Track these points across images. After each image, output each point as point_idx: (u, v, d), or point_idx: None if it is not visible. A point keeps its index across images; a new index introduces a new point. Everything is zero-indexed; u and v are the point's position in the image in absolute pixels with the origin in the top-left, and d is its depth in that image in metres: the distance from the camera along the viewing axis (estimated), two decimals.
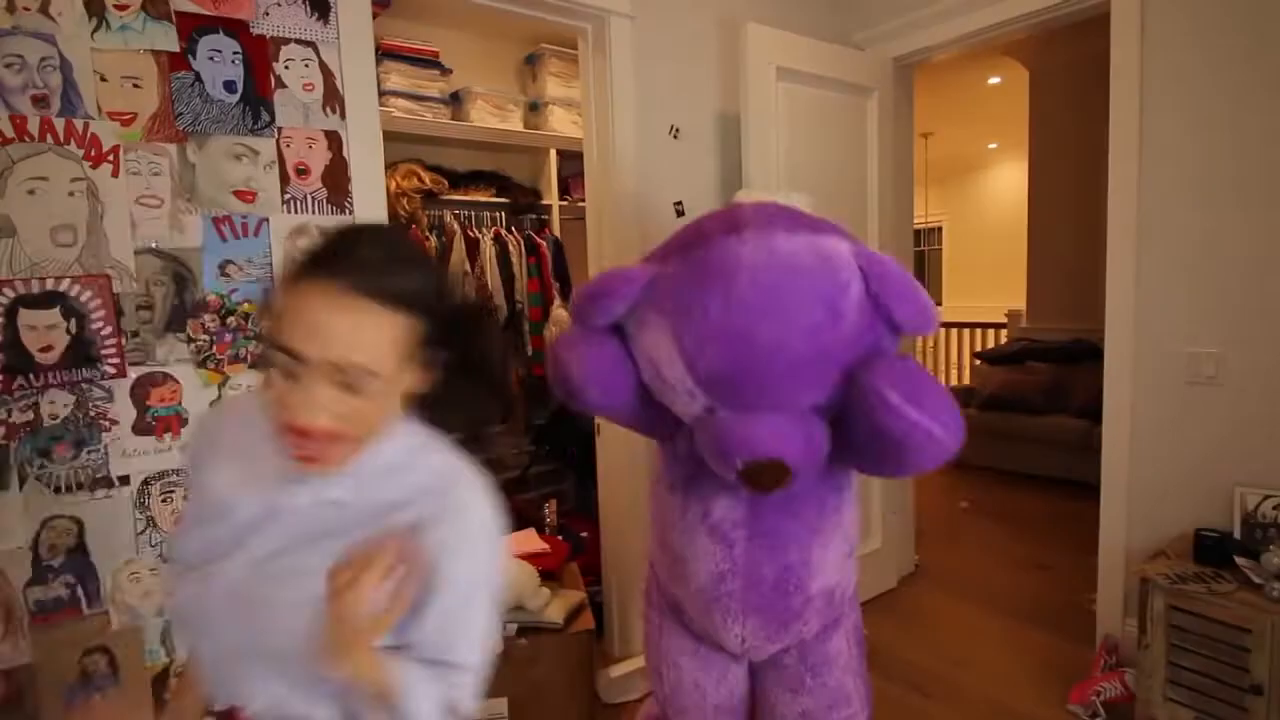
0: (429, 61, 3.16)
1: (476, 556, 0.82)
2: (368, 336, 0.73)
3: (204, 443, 0.94)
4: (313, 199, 1.83)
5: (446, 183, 3.31)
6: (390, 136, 2.52)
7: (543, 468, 3.63)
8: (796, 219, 1.29)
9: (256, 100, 1.74)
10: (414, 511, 0.80)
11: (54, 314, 1.52)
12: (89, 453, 1.57)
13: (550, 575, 2.29)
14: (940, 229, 10.33)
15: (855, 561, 1.57)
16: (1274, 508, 1.99)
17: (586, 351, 1.39)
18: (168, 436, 1.65)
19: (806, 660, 1.51)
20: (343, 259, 0.75)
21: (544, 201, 3.68)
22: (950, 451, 1.23)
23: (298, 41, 1.79)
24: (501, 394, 0.94)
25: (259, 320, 0.72)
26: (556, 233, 3.64)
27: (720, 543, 1.39)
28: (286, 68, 1.78)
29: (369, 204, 1.91)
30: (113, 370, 1.59)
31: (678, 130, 2.52)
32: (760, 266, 1.19)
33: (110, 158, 1.57)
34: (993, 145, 8.75)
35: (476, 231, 3.35)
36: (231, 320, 1.73)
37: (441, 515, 0.80)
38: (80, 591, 1.58)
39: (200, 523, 0.87)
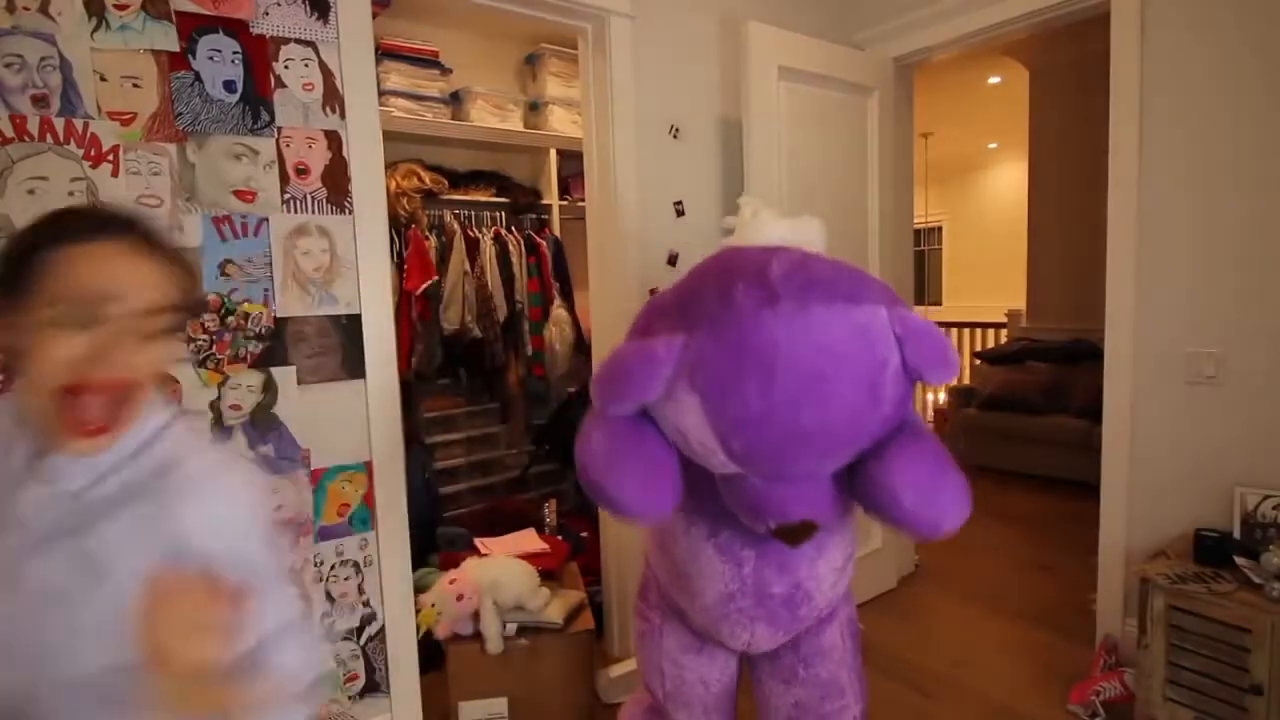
0: (429, 61, 3.16)
1: (235, 514, 0.81)
2: (166, 286, 0.75)
3: None
4: (312, 199, 1.83)
5: (446, 182, 3.32)
6: (390, 136, 2.52)
7: (542, 468, 3.63)
8: (831, 283, 1.20)
9: (256, 100, 1.74)
10: (159, 488, 0.77)
11: None
12: None
13: (550, 575, 2.29)
14: (940, 229, 10.34)
15: (852, 562, 1.57)
16: (1274, 508, 1.99)
17: (626, 460, 1.25)
18: None
19: (799, 651, 1.52)
20: (122, 221, 0.76)
21: (544, 201, 3.68)
22: (950, 534, 1.24)
23: (297, 41, 1.79)
24: None
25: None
26: (556, 232, 3.64)
27: (729, 562, 1.37)
28: (286, 67, 1.78)
29: (369, 203, 1.91)
30: None
31: (678, 130, 2.52)
32: (800, 351, 1.13)
33: (110, 157, 1.57)
34: (993, 145, 8.75)
35: (476, 231, 3.36)
36: (231, 320, 1.73)
37: (188, 486, 0.78)
38: None
39: None
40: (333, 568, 1.91)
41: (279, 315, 1.80)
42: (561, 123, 3.51)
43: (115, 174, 1.58)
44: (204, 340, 1.70)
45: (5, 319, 0.71)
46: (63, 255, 0.71)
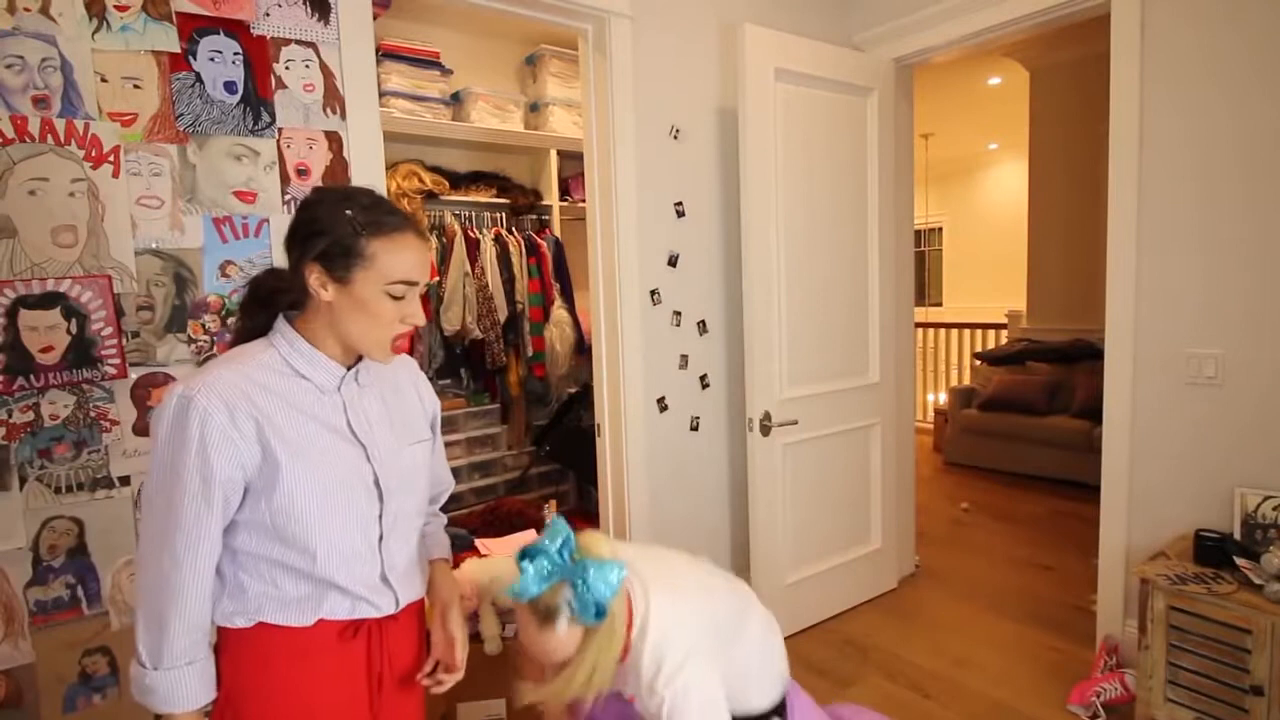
0: (429, 62, 3.16)
1: None
2: None
3: None
4: None
5: (447, 183, 3.32)
6: (390, 137, 2.53)
7: (543, 468, 3.63)
8: None
9: (257, 101, 1.75)
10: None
11: (54, 314, 1.52)
12: (90, 453, 1.57)
13: None
14: (940, 229, 10.33)
15: None
16: (1274, 509, 1.99)
17: None
18: None
19: None
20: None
21: (544, 202, 3.68)
22: None
23: (298, 42, 1.80)
24: None
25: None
26: (557, 233, 3.65)
27: None
28: (287, 68, 1.78)
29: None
30: (113, 370, 1.59)
31: (678, 131, 2.52)
32: None
33: (111, 158, 1.58)
34: (993, 146, 8.75)
35: (477, 232, 3.36)
36: (232, 321, 1.73)
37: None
38: (80, 592, 1.58)
39: None
40: None
41: None
42: (562, 123, 3.51)
43: (116, 175, 1.58)
44: (204, 341, 1.70)
45: None
46: (375, 244, 1.01)
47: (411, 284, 1.01)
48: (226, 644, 1.02)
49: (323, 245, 0.98)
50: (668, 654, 1.17)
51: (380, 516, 1.06)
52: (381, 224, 0.99)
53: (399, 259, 0.99)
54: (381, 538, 1.07)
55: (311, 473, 0.98)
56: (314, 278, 0.99)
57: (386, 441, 1.08)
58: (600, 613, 1.11)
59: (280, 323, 1.04)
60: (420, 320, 1.05)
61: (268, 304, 1.05)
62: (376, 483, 1.05)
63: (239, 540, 0.99)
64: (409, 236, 1.01)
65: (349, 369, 1.06)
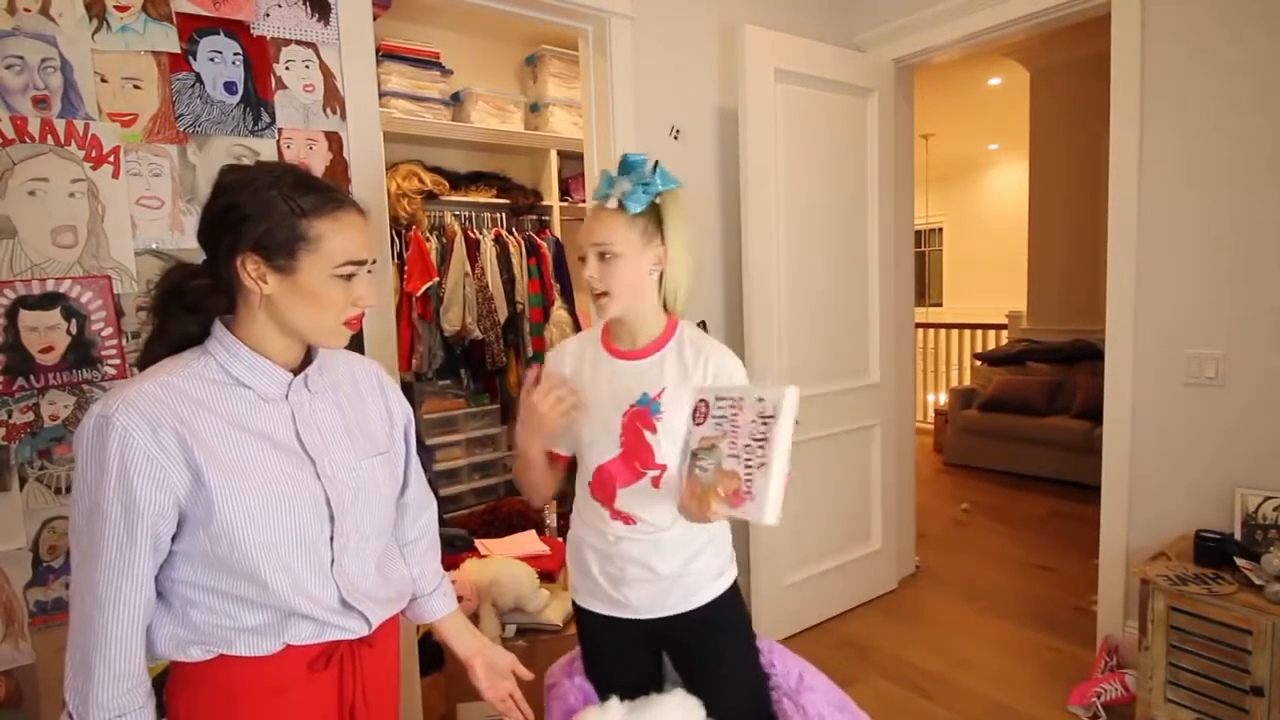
0: (429, 63, 3.17)
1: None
2: None
3: None
4: None
5: (447, 184, 3.32)
6: (390, 137, 2.53)
7: None
8: None
9: (257, 101, 1.75)
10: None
11: (54, 315, 1.52)
12: None
13: (550, 577, 2.29)
14: (940, 230, 10.33)
15: None
16: (1274, 509, 1.98)
17: None
18: None
19: None
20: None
21: (544, 202, 3.68)
22: None
23: (298, 43, 1.80)
24: None
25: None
26: (557, 234, 3.65)
27: None
28: (287, 69, 1.78)
29: (369, 205, 1.91)
30: (113, 371, 1.59)
31: (678, 131, 2.52)
32: None
33: (111, 159, 1.57)
34: (993, 146, 8.75)
35: (477, 232, 3.36)
36: None
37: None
38: None
39: None
40: None
41: None
42: (562, 124, 3.51)
43: (116, 175, 1.58)
44: None
45: None
46: (319, 225, 0.95)
47: (359, 263, 0.94)
48: (185, 681, 0.93)
49: (257, 233, 0.88)
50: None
51: (331, 539, 0.96)
52: (323, 203, 0.92)
53: (345, 239, 0.92)
54: (334, 562, 0.96)
55: (250, 497, 0.88)
56: (250, 270, 0.89)
57: (341, 454, 0.98)
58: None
59: (217, 328, 0.94)
60: (372, 301, 0.97)
61: (195, 308, 0.94)
62: (328, 502, 0.95)
63: (180, 572, 0.90)
64: (351, 213, 0.95)
65: (297, 373, 0.97)
